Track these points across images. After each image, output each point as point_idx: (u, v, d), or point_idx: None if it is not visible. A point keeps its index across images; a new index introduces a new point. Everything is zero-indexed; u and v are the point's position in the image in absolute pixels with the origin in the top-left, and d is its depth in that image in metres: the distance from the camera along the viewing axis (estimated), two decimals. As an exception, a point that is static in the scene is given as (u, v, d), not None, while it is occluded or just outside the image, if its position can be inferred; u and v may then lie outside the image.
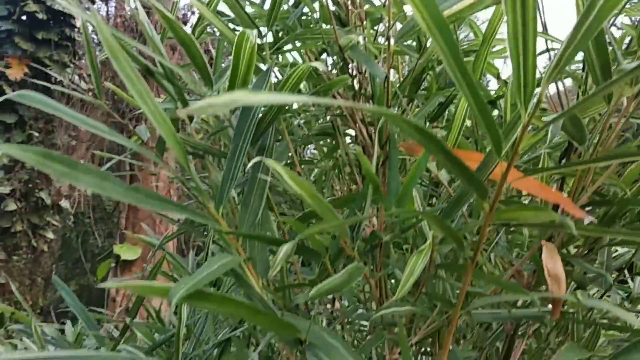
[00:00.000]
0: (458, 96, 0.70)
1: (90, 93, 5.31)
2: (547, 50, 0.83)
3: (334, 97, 0.98)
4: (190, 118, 0.84)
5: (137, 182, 4.82)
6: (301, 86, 1.09)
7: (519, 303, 0.77)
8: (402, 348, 0.56)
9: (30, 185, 7.38)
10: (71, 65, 7.41)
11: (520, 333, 0.89)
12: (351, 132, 1.04)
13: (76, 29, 7.34)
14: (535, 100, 0.42)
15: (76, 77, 7.21)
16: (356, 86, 0.89)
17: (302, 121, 1.01)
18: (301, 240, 0.78)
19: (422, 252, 0.54)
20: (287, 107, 0.86)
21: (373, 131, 0.86)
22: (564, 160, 0.76)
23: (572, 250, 0.77)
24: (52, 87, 0.83)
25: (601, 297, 0.89)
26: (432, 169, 0.68)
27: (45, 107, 0.57)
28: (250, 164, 0.56)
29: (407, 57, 1.20)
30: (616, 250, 0.91)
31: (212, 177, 0.82)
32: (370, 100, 0.91)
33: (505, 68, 1.51)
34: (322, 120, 1.06)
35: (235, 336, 0.92)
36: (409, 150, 0.64)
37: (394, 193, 0.61)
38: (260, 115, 0.71)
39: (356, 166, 1.04)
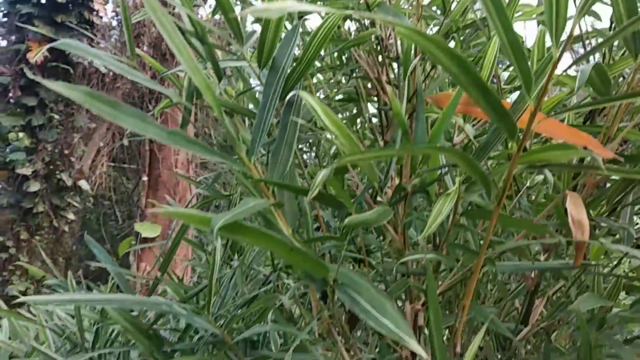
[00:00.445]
0: (484, 54, 0.71)
1: (111, 74, 5.37)
2: None
3: (357, 62, 1.00)
4: (219, 78, 0.86)
5: (157, 162, 4.90)
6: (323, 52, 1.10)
7: (541, 258, 0.78)
8: (430, 293, 0.58)
9: (51, 167, 7.52)
10: (91, 47, 7.48)
11: (539, 293, 0.90)
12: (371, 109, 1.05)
13: (95, 12, 7.40)
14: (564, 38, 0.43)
15: (96, 62, 7.28)
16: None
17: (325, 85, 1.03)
18: (326, 192, 0.80)
19: (448, 195, 0.56)
20: (313, 66, 0.88)
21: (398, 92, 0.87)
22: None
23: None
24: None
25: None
26: (459, 122, 0.69)
27: (86, 54, 0.60)
28: (283, 108, 0.58)
29: (431, 26, 1.21)
30: (637, 224, 0.92)
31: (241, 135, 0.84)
32: (395, 62, 0.92)
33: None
34: (345, 85, 1.07)
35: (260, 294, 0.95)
36: (436, 102, 0.66)
37: (421, 141, 0.62)
38: (289, 71, 0.73)
39: (379, 132, 1.05)
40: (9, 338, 1.29)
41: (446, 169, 0.72)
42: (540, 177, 0.84)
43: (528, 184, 0.79)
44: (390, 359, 0.77)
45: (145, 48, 5.07)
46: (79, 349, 0.99)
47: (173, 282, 1.01)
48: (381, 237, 0.83)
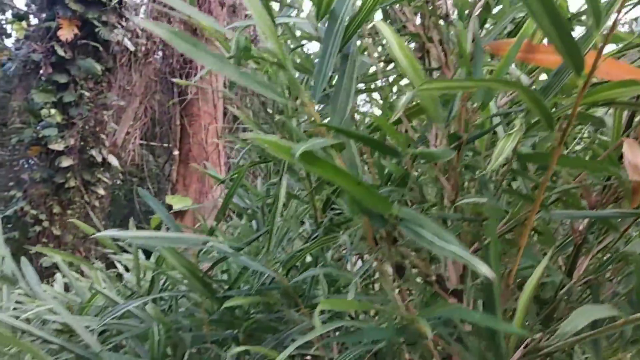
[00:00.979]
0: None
1: (143, 48, 5.44)
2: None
3: (404, 27, 1.01)
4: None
5: (187, 137, 4.99)
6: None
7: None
8: (491, 236, 0.61)
9: (82, 143, 7.70)
10: (119, 26, 7.57)
11: (584, 250, 0.92)
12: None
13: (123, -10, 7.46)
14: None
15: (126, 40, 7.37)
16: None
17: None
18: (381, 138, 0.83)
19: (510, 135, 0.58)
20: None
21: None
22: None
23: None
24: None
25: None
26: (512, 72, 0.70)
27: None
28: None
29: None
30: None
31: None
32: (443, 20, 0.93)
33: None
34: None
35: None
36: (495, 50, 0.67)
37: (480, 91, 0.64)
38: (347, 21, 0.75)
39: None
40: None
41: (498, 118, 0.74)
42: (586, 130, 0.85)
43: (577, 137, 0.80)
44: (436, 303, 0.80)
45: (176, 25, 5.12)
46: (135, 295, 1.05)
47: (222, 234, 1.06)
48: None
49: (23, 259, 1.43)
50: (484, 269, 0.48)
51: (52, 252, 1.14)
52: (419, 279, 0.88)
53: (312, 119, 0.67)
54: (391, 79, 1.15)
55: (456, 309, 0.59)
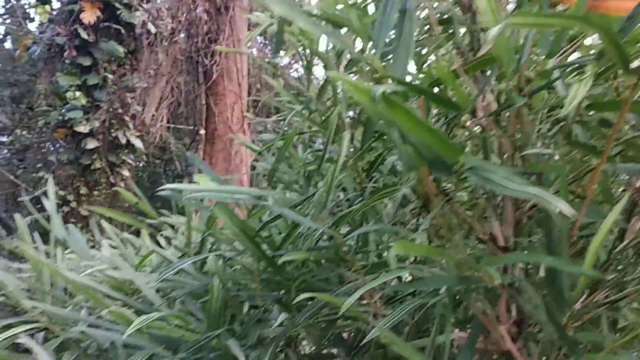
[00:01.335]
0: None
1: (169, 28, 5.45)
2: None
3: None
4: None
5: (213, 116, 5.02)
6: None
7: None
8: (561, 181, 0.61)
9: (106, 125, 7.81)
10: (140, 8, 7.60)
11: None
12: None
13: (144, -28, 7.47)
14: None
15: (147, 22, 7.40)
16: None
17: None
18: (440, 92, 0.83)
19: (582, 80, 0.58)
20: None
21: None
22: None
23: None
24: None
25: None
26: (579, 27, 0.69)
27: None
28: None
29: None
30: None
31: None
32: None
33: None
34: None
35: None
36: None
37: (546, 38, 0.64)
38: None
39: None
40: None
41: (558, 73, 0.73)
42: None
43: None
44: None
45: (199, 4, 5.12)
46: (186, 256, 1.07)
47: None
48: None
49: (71, 227, 1.48)
50: (563, 206, 0.48)
51: (109, 212, 1.18)
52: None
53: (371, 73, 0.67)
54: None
55: (525, 255, 0.60)
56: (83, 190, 7.92)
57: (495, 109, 0.74)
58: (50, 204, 1.30)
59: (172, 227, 1.45)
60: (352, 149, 1.13)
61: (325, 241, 1.11)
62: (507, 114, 0.77)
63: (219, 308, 0.89)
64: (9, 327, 1.13)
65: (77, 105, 7.66)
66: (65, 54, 7.77)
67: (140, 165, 10.30)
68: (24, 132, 9.96)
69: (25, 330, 1.02)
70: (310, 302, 1.13)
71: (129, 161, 8.09)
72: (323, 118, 1.21)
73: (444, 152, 0.59)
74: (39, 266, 1.10)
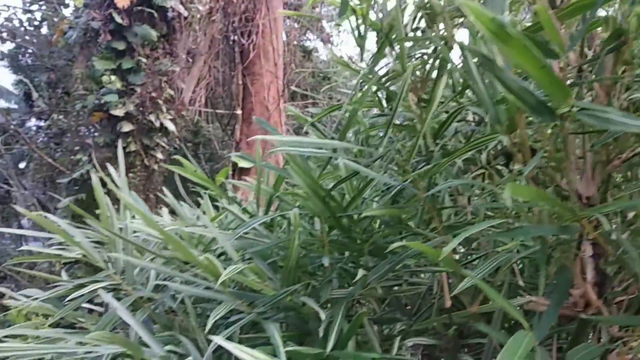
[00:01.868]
0: None
1: (207, 8, 5.47)
2: None
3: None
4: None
5: (249, 96, 5.04)
6: None
7: None
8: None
9: (141, 109, 7.94)
10: (172, -9, 7.65)
11: None
12: None
13: (178, -46, 7.50)
14: None
15: (179, 5, 7.45)
16: None
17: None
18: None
19: None
20: None
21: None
22: None
23: None
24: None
25: None
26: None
27: None
28: None
29: None
30: None
31: None
32: None
33: None
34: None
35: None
36: None
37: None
38: None
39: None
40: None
41: None
42: None
43: None
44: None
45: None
46: (255, 217, 1.08)
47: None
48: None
49: (133, 193, 1.51)
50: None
51: (184, 171, 1.19)
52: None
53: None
54: None
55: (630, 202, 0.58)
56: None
57: (589, 57, 0.71)
58: (120, 166, 1.33)
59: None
60: (418, 113, 1.11)
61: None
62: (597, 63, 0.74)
63: (295, 264, 0.89)
64: (82, 286, 1.17)
65: (113, 89, 7.80)
66: (100, 38, 7.90)
67: (172, 149, 10.47)
68: (61, 117, 10.20)
69: (99, 289, 1.05)
70: (375, 266, 1.13)
71: (163, 144, 8.23)
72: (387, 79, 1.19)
73: (555, 93, 0.57)
74: (111, 226, 1.13)
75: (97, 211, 1.26)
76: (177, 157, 1.54)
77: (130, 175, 8.31)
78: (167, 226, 1.21)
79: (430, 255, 0.66)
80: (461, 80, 1.15)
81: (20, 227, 11.23)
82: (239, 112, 5.04)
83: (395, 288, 1.22)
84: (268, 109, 4.90)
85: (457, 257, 1.16)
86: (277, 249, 1.10)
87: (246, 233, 1.05)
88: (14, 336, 1.31)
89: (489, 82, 0.75)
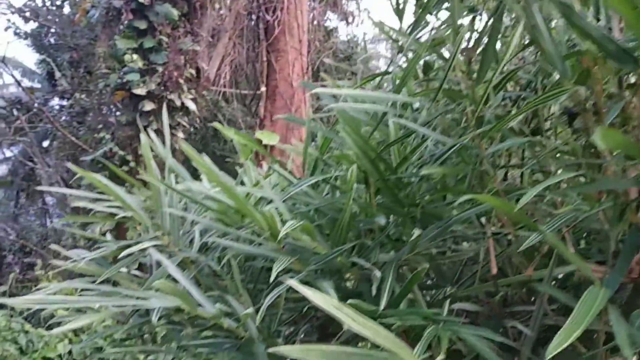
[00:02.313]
0: None
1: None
2: None
3: None
4: None
5: (274, 73, 5.03)
6: None
7: None
8: None
9: (162, 88, 7.98)
10: (194, -31, 7.62)
11: None
12: None
13: None
14: None
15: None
16: None
17: None
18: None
19: None
20: None
21: None
22: None
23: None
24: None
25: None
26: None
27: None
28: None
29: None
30: None
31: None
32: None
33: None
34: None
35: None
36: None
37: None
38: None
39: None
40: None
41: None
42: None
43: None
44: None
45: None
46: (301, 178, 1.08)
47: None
48: None
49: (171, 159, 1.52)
50: None
51: (231, 131, 1.20)
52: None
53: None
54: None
55: None
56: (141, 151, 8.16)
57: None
58: (165, 132, 1.34)
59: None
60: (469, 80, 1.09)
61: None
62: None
63: (347, 224, 0.89)
64: (128, 247, 1.19)
65: (134, 68, 7.84)
66: (122, 17, 7.93)
67: (192, 129, 10.53)
68: (83, 96, 10.30)
69: (149, 247, 1.06)
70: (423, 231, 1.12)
71: (184, 123, 8.28)
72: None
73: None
74: (158, 190, 1.14)
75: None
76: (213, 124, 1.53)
77: (153, 153, 8.37)
78: (212, 190, 1.22)
79: (502, 209, 0.65)
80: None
81: (44, 204, 11.47)
82: (263, 89, 5.03)
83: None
84: (292, 85, 4.88)
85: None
86: (321, 214, 1.10)
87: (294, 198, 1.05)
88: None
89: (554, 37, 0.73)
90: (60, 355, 3.92)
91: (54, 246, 1.28)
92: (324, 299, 0.55)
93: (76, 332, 4.24)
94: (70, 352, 3.97)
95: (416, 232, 0.84)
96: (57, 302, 0.91)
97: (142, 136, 1.21)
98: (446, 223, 1.01)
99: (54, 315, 4.42)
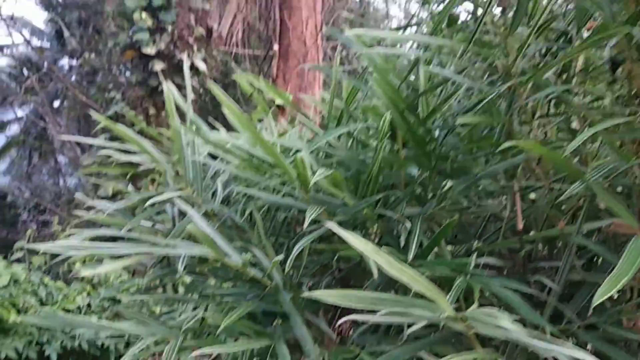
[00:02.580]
0: None
1: None
2: None
3: None
4: None
5: (287, 31, 4.91)
6: None
7: None
8: None
9: (171, 47, 7.88)
10: None
11: None
12: None
13: None
14: None
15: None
16: None
17: None
18: None
19: None
20: None
21: None
22: None
23: None
24: None
25: None
26: None
27: None
28: None
29: None
30: None
31: None
32: None
33: None
34: None
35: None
36: None
37: None
38: None
39: None
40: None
41: None
42: None
43: None
44: None
45: None
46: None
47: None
48: None
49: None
50: None
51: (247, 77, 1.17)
52: None
53: None
54: None
55: None
56: (152, 111, 8.17)
57: None
58: (187, 82, 1.32)
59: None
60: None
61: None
62: None
63: (376, 176, 0.88)
64: (150, 198, 1.18)
65: (144, 27, 7.72)
66: (131, -27, 7.75)
67: (202, 90, 10.44)
68: (93, 55, 10.20)
69: (174, 197, 1.06)
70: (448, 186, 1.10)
71: (193, 84, 8.21)
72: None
73: None
74: (180, 142, 1.12)
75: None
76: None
77: (163, 114, 8.38)
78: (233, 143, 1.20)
79: (546, 156, 0.63)
80: None
81: (56, 163, 11.57)
82: (275, 47, 4.93)
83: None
84: (306, 44, 4.77)
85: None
86: (344, 167, 1.08)
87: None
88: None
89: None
90: (79, 307, 4.02)
91: (78, 195, 1.28)
92: (363, 243, 0.55)
93: (94, 285, 4.34)
94: (89, 305, 4.08)
95: (448, 183, 0.82)
96: (83, 248, 0.91)
97: (165, 85, 1.18)
98: (475, 177, 0.99)
99: (71, 270, 4.53)
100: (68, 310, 3.97)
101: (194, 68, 8.28)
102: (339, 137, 1.11)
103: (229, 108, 0.97)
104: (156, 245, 0.91)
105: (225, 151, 1.04)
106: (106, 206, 1.23)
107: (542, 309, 1.02)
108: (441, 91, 1.08)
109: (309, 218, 0.78)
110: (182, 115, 1.40)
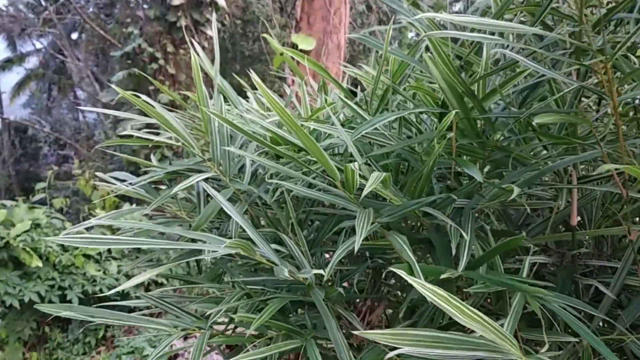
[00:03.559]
0: None
1: None
2: None
3: None
4: None
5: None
6: None
7: None
8: None
9: (190, -20, 7.54)
10: None
11: None
12: None
13: None
14: None
15: None
16: None
17: None
18: None
19: None
20: None
21: None
22: None
23: None
24: None
25: None
26: None
27: None
28: None
29: None
30: None
31: None
32: None
33: None
34: None
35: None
36: None
37: None
38: None
39: None
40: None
41: None
42: None
43: None
44: None
45: None
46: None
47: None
48: None
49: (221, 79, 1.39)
50: None
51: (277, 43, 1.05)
52: None
53: None
54: None
55: None
56: (170, 48, 7.97)
57: None
58: (215, 47, 1.20)
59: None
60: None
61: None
62: None
63: (428, 175, 0.78)
64: (175, 173, 1.11)
65: (161, -42, 7.39)
66: None
67: (220, 26, 10.09)
68: (110, -14, 9.87)
69: (200, 181, 0.98)
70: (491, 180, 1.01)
71: (212, 20, 7.94)
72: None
73: None
74: (208, 116, 1.03)
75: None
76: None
77: (181, 52, 8.18)
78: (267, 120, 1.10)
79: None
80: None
81: (75, 97, 11.53)
82: (300, -16, 4.63)
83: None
84: (331, -17, 4.45)
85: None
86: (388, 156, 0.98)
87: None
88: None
89: None
90: (99, 253, 4.08)
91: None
92: (434, 291, 0.47)
93: (114, 231, 4.39)
94: (109, 251, 4.14)
95: (506, 177, 0.72)
96: (110, 242, 0.86)
97: (194, 52, 1.07)
98: (539, 171, 0.89)
99: (93, 214, 4.57)
100: (88, 256, 4.03)
101: (213, 3, 7.99)
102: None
103: (264, 91, 0.86)
104: (183, 238, 0.84)
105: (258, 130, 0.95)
106: (130, 177, 1.16)
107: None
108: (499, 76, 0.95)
109: (359, 228, 0.69)
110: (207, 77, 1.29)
